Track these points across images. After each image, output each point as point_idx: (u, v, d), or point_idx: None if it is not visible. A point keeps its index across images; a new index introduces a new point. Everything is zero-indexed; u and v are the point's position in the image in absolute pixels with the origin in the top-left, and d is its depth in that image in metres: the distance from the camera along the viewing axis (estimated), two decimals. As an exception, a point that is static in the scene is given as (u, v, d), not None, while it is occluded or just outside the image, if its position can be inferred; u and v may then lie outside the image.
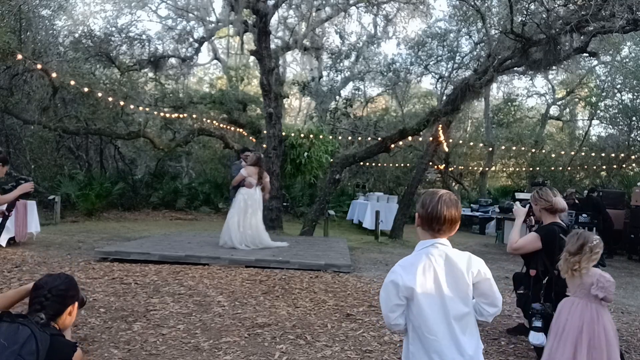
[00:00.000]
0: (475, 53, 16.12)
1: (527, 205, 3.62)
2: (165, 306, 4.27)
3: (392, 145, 11.52)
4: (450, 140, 15.67)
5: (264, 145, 11.44)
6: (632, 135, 16.04)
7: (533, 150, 17.89)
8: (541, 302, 3.15)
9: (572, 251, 2.67)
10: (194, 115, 14.83)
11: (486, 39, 11.88)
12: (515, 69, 10.81)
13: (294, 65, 21.30)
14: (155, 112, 13.89)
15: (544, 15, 8.89)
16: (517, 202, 3.85)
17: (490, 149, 18.68)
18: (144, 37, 14.78)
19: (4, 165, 4.04)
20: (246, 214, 7.34)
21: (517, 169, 19.73)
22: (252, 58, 15.26)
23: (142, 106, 13.31)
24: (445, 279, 1.78)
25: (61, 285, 2.03)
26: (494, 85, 17.61)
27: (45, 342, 1.79)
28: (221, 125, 14.79)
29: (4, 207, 4.01)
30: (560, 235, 3.24)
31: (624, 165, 15.44)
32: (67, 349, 1.90)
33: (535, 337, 3.09)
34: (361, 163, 15.34)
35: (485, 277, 1.84)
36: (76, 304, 2.13)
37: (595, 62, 16.11)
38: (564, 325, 2.58)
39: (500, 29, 10.47)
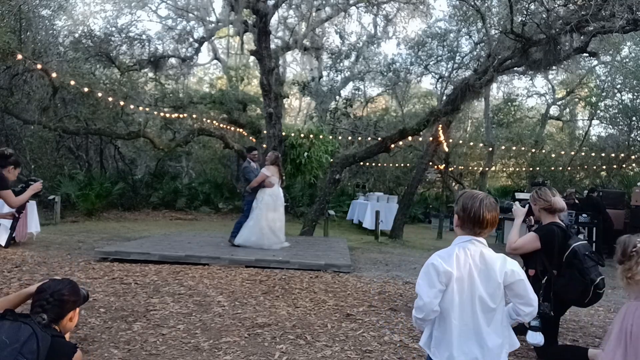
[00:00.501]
0: (475, 53, 16.13)
1: (527, 205, 3.62)
2: (165, 306, 4.27)
3: (392, 145, 11.52)
4: (450, 140, 15.67)
5: (264, 145, 11.45)
6: (632, 135, 16.05)
7: (533, 150, 17.89)
8: (540, 302, 3.15)
9: (619, 260, 2.53)
10: (194, 115, 14.83)
11: (486, 39, 11.88)
12: (515, 69, 10.81)
13: (294, 65, 21.31)
14: (155, 112, 13.90)
15: (544, 15, 8.89)
16: (517, 202, 3.85)
17: (490, 149, 18.68)
18: (144, 37, 14.79)
19: (15, 168, 4.03)
20: (273, 212, 7.48)
21: (517, 169, 19.74)
22: (252, 58, 15.26)
23: (142, 106, 13.31)
24: (478, 273, 1.87)
25: (63, 291, 2.05)
26: (494, 85, 17.62)
27: (46, 342, 1.80)
28: (221, 125, 14.79)
29: (15, 208, 4.03)
30: (564, 235, 3.23)
31: (624, 165, 15.45)
32: (67, 350, 1.92)
33: (533, 337, 3.09)
34: (361, 163, 15.35)
35: (519, 278, 1.89)
36: (77, 310, 2.14)
37: (595, 62, 16.12)
38: (630, 331, 2.43)
39: (500, 29, 10.47)
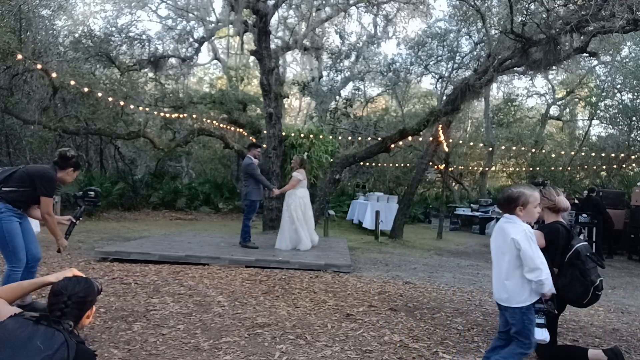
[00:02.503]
0: (475, 53, 16.13)
1: None
2: (165, 306, 4.27)
3: (392, 145, 11.52)
4: (450, 140, 15.66)
5: (264, 145, 11.45)
6: (632, 135, 16.05)
7: (533, 150, 17.89)
8: (543, 301, 3.17)
9: None
10: (194, 115, 14.83)
11: (486, 39, 11.88)
12: (515, 69, 10.81)
13: (294, 65, 21.35)
14: (155, 112, 13.90)
15: (544, 15, 8.89)
16: None
17: (490, 149, 18.69)
18: (144, 37, 14.79)
19: (75, 170, 3.93)
20: (304, 212, 7.65)
21: (517, 169, 19.74)
22: (252, 58, 15.26)
23: (142, 106, 13.32)
24: (498, 236, 2.89)
25: (81, 292, 2.03)
26: (494, 85, 17.63)
27: (73, 350, 1.83)
28: (221, 125, 14.79)
29: (76, 212, 4.00)
30: (568, 234, 3.24)
31: (624, 165, 15.44)
32: (89, 357, 1.95)
33: (539, 333, 3.10)
34: (361, 163, 15.34)
35: (517, 246, 2.70)
36: (94, 307, 2.15)
37: (595, 62, 16.13)
38: None
39: (500, 29, 10.47)
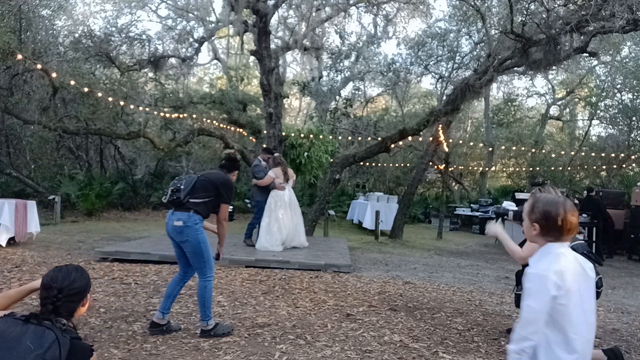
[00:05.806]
0: (475, 53, 16.13)
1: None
2: (165, 306, 4.27)
3: (392, 145, 11.51)
4: (450, 140, 15.67)
5: (264, 145, 11.45)
6: (632, 135, 16.04)
7: (533, 150, 17.89)
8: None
9: None
10: (194, 115, 14.82)
11: (486, 39, 11.88)
12: (515, 69, 10.80)
13: (294, 65, 21.34)
14: (155, 112, 13.89)
15: (544, 15, 8.89)
16: (492, 221, 3.77)
17: (490, 149, 18.69)
18: (144, 37, 14.78)
19: (237, 172, 3.90)
20: (277, 215, 7.45)
21: (517, 169, 19.74)
22: (252, 58, 15.27)
23: (142, 106, 13.31)
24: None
25: (72, 284, 1.95)
26: (494, 85, 17.63)
27: (66, 347, 1.80)
28: (221, 125, 14.78)
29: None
30: None
31: (624, 165, 15.44)
32: (85, 353, 1.91)
33: None
34: (361, 163, 15.34)
35: None
36: (89, 296, 2.06)
37: (595, 62, 16.12)
38: None
39: (500, 29, 10.47)
